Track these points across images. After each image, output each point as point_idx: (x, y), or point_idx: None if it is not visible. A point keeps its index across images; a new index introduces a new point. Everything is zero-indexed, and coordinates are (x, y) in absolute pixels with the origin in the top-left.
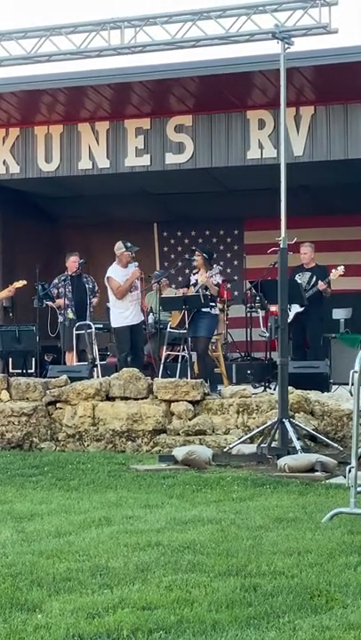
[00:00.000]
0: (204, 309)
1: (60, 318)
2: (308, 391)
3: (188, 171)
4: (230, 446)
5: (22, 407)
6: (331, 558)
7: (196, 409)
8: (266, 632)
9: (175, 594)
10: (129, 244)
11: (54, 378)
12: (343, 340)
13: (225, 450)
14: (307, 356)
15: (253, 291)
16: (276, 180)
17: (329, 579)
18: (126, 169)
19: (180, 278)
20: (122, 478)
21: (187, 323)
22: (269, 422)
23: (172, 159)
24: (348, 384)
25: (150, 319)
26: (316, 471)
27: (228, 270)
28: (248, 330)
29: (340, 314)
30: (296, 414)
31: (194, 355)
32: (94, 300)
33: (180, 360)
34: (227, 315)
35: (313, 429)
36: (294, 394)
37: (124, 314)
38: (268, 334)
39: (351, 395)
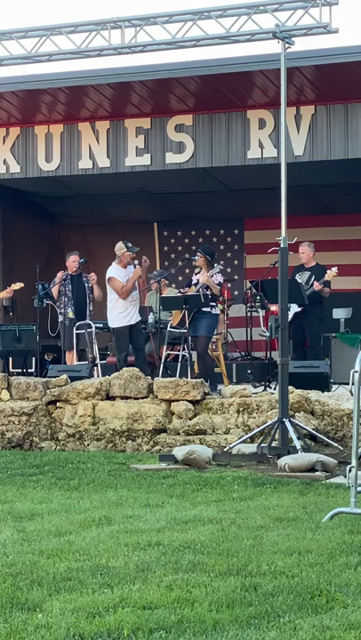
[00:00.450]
0: (204, 309)
1: (60, 318)
2: (309, 391)
3: (189, 170)
4: (231, 446)
5: (22, 406)
6: (331, 558)
7: (197, 408)
8: (266, 632)
9: (176, 593)
10: (130, 245)
11: (54, 377)
12: (343, 339)
13: (225, 449)
14: (307, 356)
15: (254, 290)
16: (277, 179)
17: (329, 578)
18: (127, 168)
19: (180, 278)
20: (122, 478)
21: (187, 322)
22: (270, 422)
23: (172, 159)
24: (348, 384)
25: (150, 318)
26: (317, 471)
27: (229, 270)
28: (248, 329)
29: (340, 313)
30: (296, 414)
31: (194, 354)
32: (96, 294)
33: (180, 359)
34: (227, 314)
35: (313, 429)
36: (295, 393)
37: (122, 314)
38: (268, 334)
39: (352, 394)
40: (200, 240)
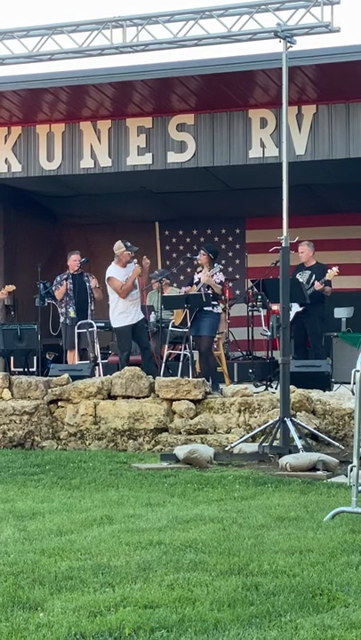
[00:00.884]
0: (206, 308)
1: (62, 318)
2: (310, 390)
3: (190, 169)
4: (232, 445)
5: (24, 406)
6: (332, 557)
7: (198, 408)
8: (268, 631)
9: (177, 593)
10: (129, 244)
11: (56, 376)
12: (345, 338)
13: (226, 449)
14: (308, 355)
15: (255, 289)
16: (278, 178)
17: (331, 578)
18: (128, 167)
19: (181, 277)
20: (123, 477)
21: (188, 321)
22: (271, 421)
23: (173, 158)
24: (349, 383)
25: (152, 318)
26: (318, 470)
27: (230, 269)
28: (250, 329)
29: (341, 313)
30: (298, 413)
31: (195, 353)
32: (96, 294)
33: (181, 359)
34: (228, 313)
35: (315, 428)
36: (296, 393)
37: (124, 313)
38: (269, 333)
39: (353, 394)
40: (201, 239)
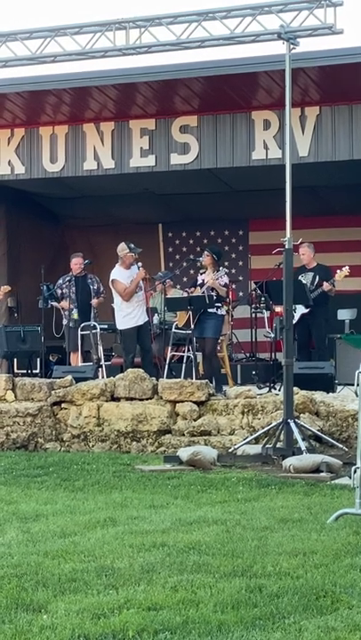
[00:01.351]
0: (210, 310)
1: (65, 321)
2: (314, 392)
3: (193, 171)
4: (235, 447)
5: (27, 407)
6: (336, 559)
7: (201, 409)
8: (271, 633)
9: (181, 594)
10: (132, 246)
11: (59, 378)
12: (348, 340)
13: (230, 450)
14: (312, 357)
15: (258, 291)
16: (282, 180)
17: (334, 579)
18: (131, 169)
19: (185, 279)
20: (127, 479)
21: (192, 323)
22: (274, 423)
23: (177, 160)
24: (353, 384)
25: (155, 320)
26: (322, 472)
27: (233, 271)
28: (253, 330)
29: (345, 314)
30: (301, 415)
31: (199, 355)
32: (94, 301)
33: (184, 360)
34: (232, 315)
35: (318, 430)
36: (299, 394)
37: (129, 315)
38: (273, 335)
39: (357, 395)
40: (205, 241)
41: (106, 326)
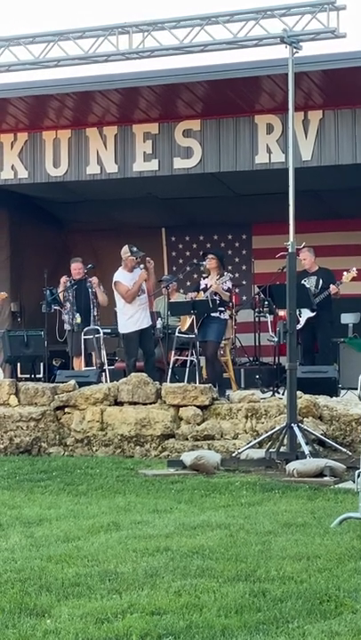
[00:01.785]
0: (213, 314)
1: (67, 326)
2: (317, 396)
3: (197, 175)
4: (239, 451)
5: (31, 412)
6: (340, 563)
7: (205, 414)
8: (275, 637)
9: (184, 599)
10: (135, 249)
11: (63, 383)
12: (352, 344)
13: (233, 455)
14: (316, 361)
15: (262, 295)
16: (285, 184)
17: (338, 584)
18: (134, 174)
19: (188, 283)
20: (130, 483)
21: (195, 327)
22: (278, 427)
23: (180, 164)
24: (356, 389)
25: (158, 324)
26: (325, 476)
27: (237, 275)
28: (256, 334)
29: (348, 318)
30: (305, 419)
31: (202, 359)
32: (100, 298)
33: (188, 365)
34: (235, 319)
35: (322, 434)
36: (303, 398)
37: (132, 319)
38: (276, 339)
39: (360, 399)
40: (208, 245)
41: (109, 330)
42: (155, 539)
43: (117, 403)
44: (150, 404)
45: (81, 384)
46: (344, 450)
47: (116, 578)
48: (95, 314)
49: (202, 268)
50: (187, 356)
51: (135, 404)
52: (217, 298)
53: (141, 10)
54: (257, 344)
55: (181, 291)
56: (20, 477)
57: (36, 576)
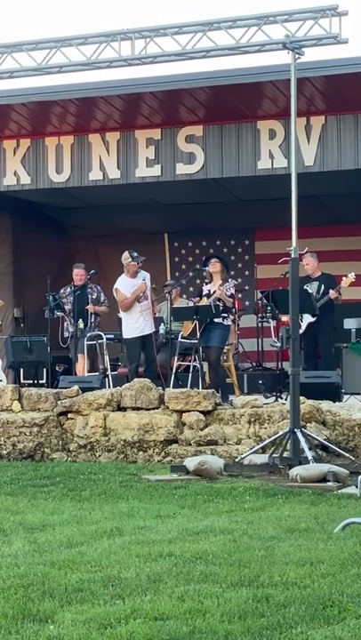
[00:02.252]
0: (216, 320)
1: (66, 333)
2: (320, 401)
3: (199, 181)
4: (242, 456)
5: (34, 418)
6: (343, 568)
7: (208, 419)
8: None
9: (187, 604)
10: (135, 254)
11: (65, 388)
12: (354, 349)
13: (237, 460)
14: (318, 366)
15: (265, 301)
16: (287, 189)
17: (342, 589)
18: (137, 179)
19: (190, 288)
20: (133, 489)
21: (198, 333)
22: (281, 432)
23: (182, 169)
24: (359, 394)
25: (161, 329)
26: (328, 481)
27: (240, 280)
28: (259, 340)
29: (351, 323)
30: (308, 424)
31: (205, 365)
32: (90, 307)
33: (191, 370)
34: (238, 325)
35: (325, 439)
36: (306, 404)
37: (134, 325)
38: (279, 344)
39: None
40: (211, 251)
41: (112, 336)
42: (158, 544)
43: (120, 408)
44: (153, 409)
45: (84, 389)
46: (347, 455)
47: (120, 583)
48: (92, 320)
49: (205, 274)
50: (190, 361)
51: (138, 409)
52: (220, 303)
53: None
54: (260, 349)
55: (184, 296)
56: (23, 483)
57: (39, 582)
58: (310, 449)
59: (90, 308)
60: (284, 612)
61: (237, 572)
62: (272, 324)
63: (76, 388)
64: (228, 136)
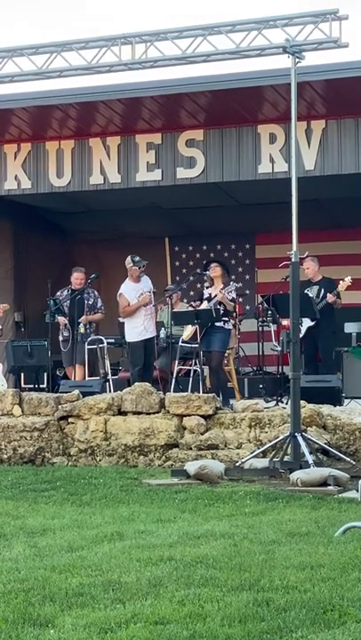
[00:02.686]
0: (217, 324)
1: (60, 337)
2: (321, 405)
3: (200, 185)
4: (243, 460)
5: (34, 422)
6: (344, 572)
7: (209, 423)
8: None
9: (188, 608)
10: (137, 259)
11: (66, 393)
12: (355, 353)
13: (237, 464)
14: (319, 370)
15: (265, 305)
16: (288, 193)
17: (342, 593)
18: (138, 184)
19: (191, 293)
20: (134, 493)
21: (198, 337)
22: (282, 436)
23: (183, 174)
24: (360, 398)
25: (162, 333)
26: (329, 485)
27: (240, 284)
28: (260, 344)
29: (352, 327)
30: (308, 428)
31: (206, 369)
32: (83, 318)
33: (191, 374)
34: (239, 329)
35: (325, 443)
36: (306, 408)
37: (137, 329)
38: (279, 348)
39: None
40: (211, 255)
41: (113, 340)
42: (158, 548)
43: (121, 412)
44: (154, 413)
45: (84, 394)
46: (348, 459)
47: (120, 587)
48: (88, 326)
49: (205, 278)
50: (190, 365)
51: (139, 413)
52: (221, 307)
53: (144, 20)
54: (260, 353)
55: (185, 300)
56: (23, 487)
57: (39, 586)
58: (311, 453)
59: (83, 319)
60: (284, 616)
61: (238, 576)
62: (273, 328)
63: (76, 392)
64: (228, 140)
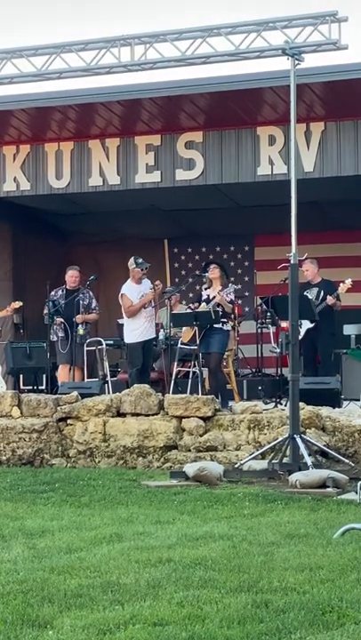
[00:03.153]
0: (215, 325)
1: (53, 337)
2: (320, 407)
3: (199, 187)
4: (241, 462)
5: (33, 423)
6: (342, 574)
7: (207, 425)
8: None
9: (186, 610)
10: (140, 261)
11: (65, 394)
12: (354, 355)
13: (236, 466)
14: (318, 372)
15: (264, 307)
16: (287, 195)
17: (341, 595)
18: (137, 185)
19: (190, 294)
20: (133, 494)
21: (197, 339)
22: (281, 438)
23: (182, 175)
24: (359, 400)
25: (161, 335)
26: (328, 487)
27: (239, 286)
28: (259, 346)
29: (350, 329)
30: (307, 430)
31: (205, 370)
32: (78, 318)
33: (190, 376)
34: (237, 331)
35: (324, 445)
36: (305, 410)
37: (137, 330)
38: (278, 350)
39: None
40: (210, 257)
41: (111, 342)
42: (157, 550)
43: (120, 414)
44: (153, 415)
45: (83, 395)
46: (347, 461)
47: (119, 589)
48: (83, 327)
49: (204, 280)
50: (189, 367)
51: (138, 415)
52: (220, 309)
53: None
54: (259, 355)
55: (183, 302)
56: (22, 489)
57: (38, 587)
58: (310, 455)
59: (78, 318)
60: (283, 618)
61: (237, 578)
62: (272, 329)
63: (75, 393)
64: (227, 142)
